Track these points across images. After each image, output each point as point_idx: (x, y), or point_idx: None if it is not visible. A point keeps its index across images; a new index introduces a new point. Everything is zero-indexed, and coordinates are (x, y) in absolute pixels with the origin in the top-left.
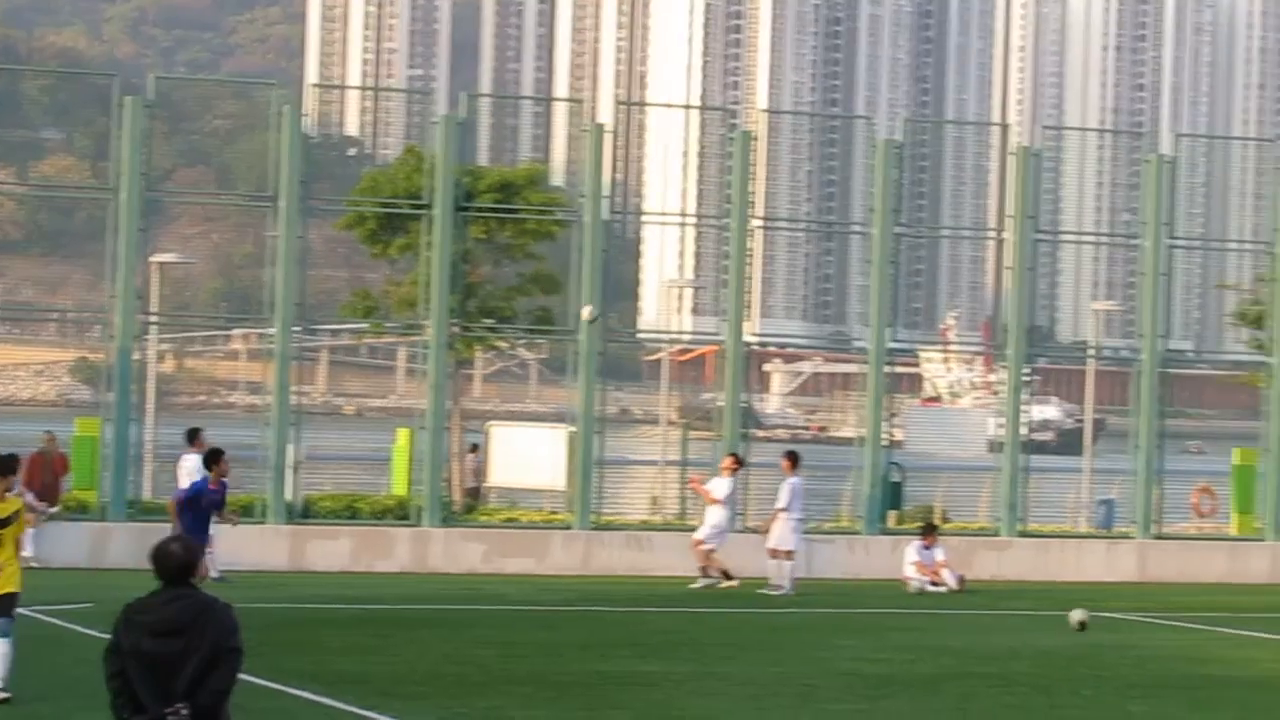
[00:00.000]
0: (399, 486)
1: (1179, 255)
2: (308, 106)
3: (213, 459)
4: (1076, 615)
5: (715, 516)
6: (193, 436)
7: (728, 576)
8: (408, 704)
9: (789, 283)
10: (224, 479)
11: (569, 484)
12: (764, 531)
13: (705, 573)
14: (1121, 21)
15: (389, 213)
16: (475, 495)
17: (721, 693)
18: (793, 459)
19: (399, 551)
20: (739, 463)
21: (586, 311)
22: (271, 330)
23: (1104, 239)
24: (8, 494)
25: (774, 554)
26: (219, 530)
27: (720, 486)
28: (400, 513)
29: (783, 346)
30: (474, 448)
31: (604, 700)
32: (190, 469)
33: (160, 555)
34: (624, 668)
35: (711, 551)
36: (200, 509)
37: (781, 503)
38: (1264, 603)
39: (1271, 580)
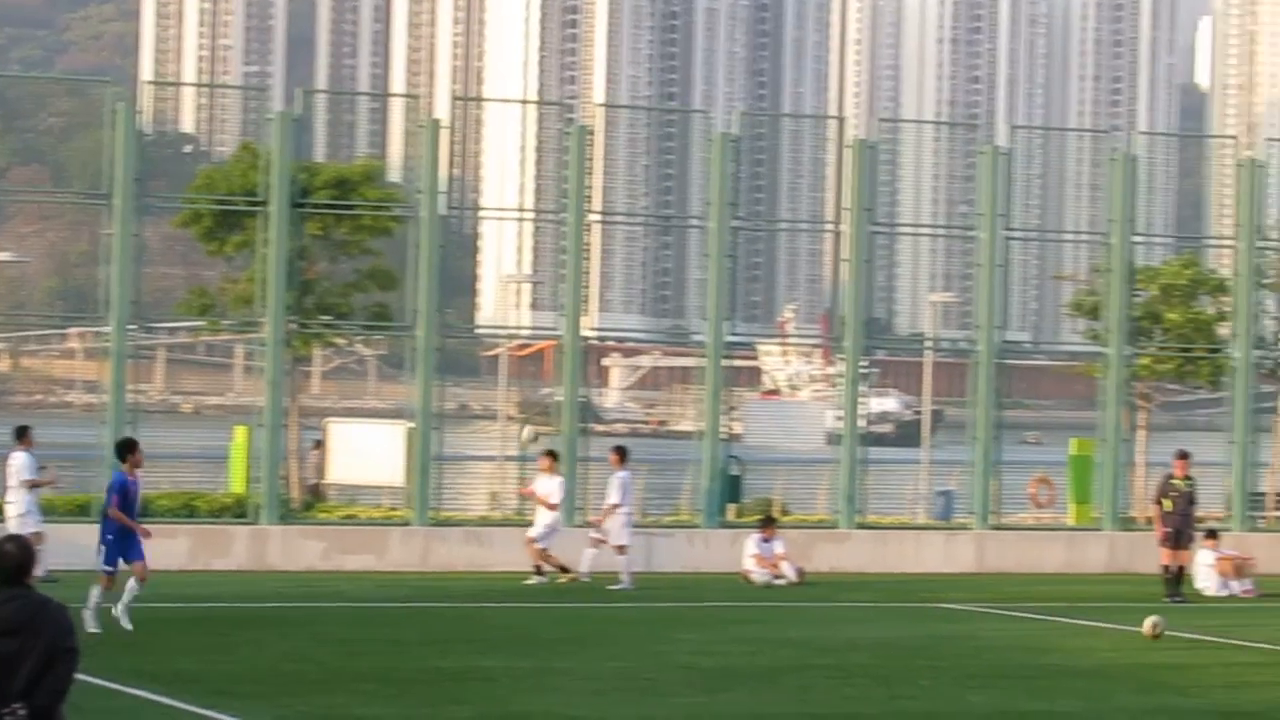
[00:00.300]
0: (237, 484)
1: (1015, 247)
2: (143, 104)
3: (129, 449)
4: (1153, 627)
5: (548, 516)
6: (21, 434)
7: (565, 570)
8: (246, 703)
9: (627, 277)
10: (138, 468)
11: (407, 480)
12: (597, 525)
13: (539, 570)
14: (957, 14)
15: (225, 210)
16: (316, 492)
17: (561, 688)
18: (620, 453)
19: (237, 549)
20: (555, 458)
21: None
22: (108, 329)
23: (941, 231)
24: None
25: (596, 544)
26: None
27: (553, 489)
28: (238, 511)
29: (621, 341)
30: (317, 444)
31: (444, 696)
32: (18, 467)
33: None
34: (464, 664)
35: (545, 550)
36: (129, 501)
37: (614, 498)
38: (1101, 592)
39: (1109, 570)
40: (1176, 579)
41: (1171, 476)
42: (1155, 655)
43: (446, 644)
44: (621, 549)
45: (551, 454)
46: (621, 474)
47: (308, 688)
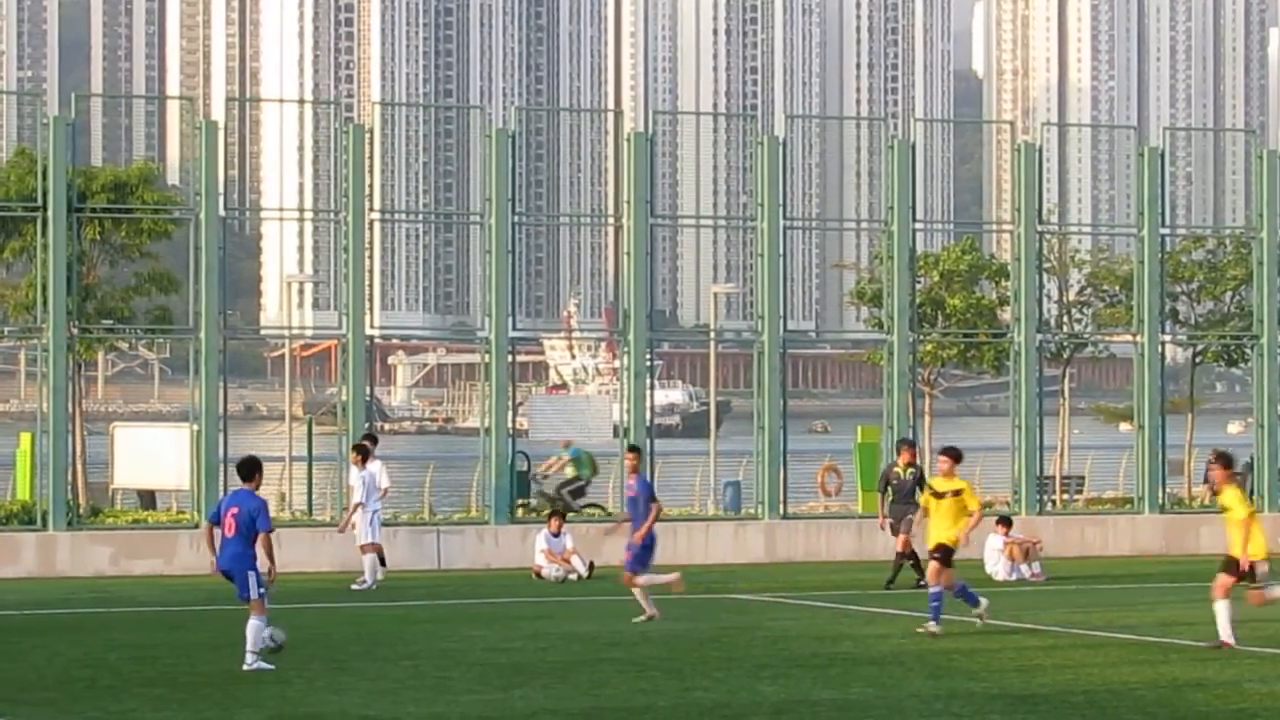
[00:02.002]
0: (23, 491)
1: (796, 236)
2: None
3: (258, 468)
4: None
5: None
6: None
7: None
8: (37, 710)
9: (409, 275)
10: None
11: (194, 483)
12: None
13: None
14: (730, 5)
15: (1, 216)
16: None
17: (355, 688)
18: (361, 452)
19: (25, 556)
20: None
21: None
22: None
23: (721, 222)
24: None
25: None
26: None
27: (358, 480)
28: (25, 517)
29: (406, 339)
30: None
31: (237, 699)
32: None
33: None
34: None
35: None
36: None
37: (358, 497)
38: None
39: None
40: (898, 569)
41: (894, 465)
42: (947, 641)
43: (238, 647)
44: (372, 547)
45: (362, 446)
46: (364, 473)
47: (100, 694)
